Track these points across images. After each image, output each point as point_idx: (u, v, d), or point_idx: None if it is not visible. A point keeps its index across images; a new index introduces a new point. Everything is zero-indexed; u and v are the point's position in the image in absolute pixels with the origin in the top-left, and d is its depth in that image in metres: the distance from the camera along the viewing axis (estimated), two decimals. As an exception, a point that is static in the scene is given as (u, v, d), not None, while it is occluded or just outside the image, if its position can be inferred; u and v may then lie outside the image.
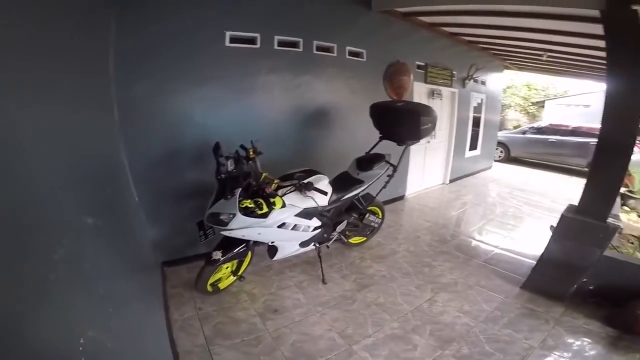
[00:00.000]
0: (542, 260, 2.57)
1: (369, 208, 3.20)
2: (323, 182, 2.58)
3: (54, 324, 0.83)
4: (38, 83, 1.15)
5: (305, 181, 2.34)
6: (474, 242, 3.58)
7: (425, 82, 4.73)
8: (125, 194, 2.36)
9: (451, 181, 5.97)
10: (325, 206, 2.62)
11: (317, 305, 2.47)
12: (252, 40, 2.85)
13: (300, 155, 3.39)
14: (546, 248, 2.54)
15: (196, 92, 2.69)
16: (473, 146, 6.44)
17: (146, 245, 2.67)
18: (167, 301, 2.49)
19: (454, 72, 5.24)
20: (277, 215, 2.26)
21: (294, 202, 2.36)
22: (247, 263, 2.77)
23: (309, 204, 2.45)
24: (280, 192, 2.31)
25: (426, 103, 4.89)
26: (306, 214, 2.47)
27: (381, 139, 3.07)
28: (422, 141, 4.85)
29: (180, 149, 2.71)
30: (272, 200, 2.18)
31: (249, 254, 2.71)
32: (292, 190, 2.36)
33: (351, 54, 3.59)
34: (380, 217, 3.37)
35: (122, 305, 1.50)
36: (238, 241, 2.37)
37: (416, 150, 4.98)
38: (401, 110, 2.90)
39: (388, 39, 3.94)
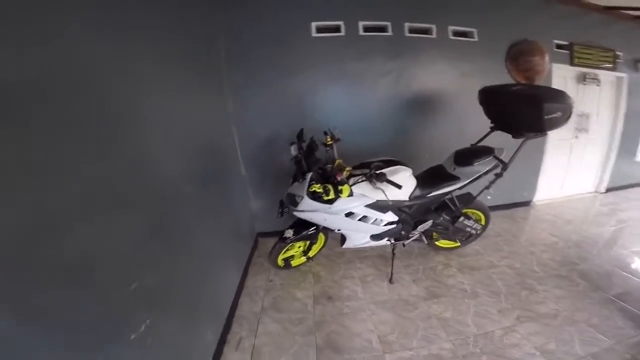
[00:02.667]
0: None
1: (468, 211, 2.78)
2: (401, 175, 2.31)
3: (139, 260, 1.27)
4: (172, 81, 1.80)
5: (377, 171, 2.18)
6: (611, 270, 2.63)
7: (572, 64, 3.73)
8: (232, 170, 2.84)
9: (608, 190, 4.50)
10: (404, 201, 2.39)
11: (371, 303, 2.34)
12: (336, 29, 2.89)
13: (392, 144, 3.24)
14: None
15: (289, 83, 2.96)
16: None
17: (247, 215, 3.13)
18: (248, 268, 2.85)
19: (619, 54, 3.93)
20: (344, 203, 2.23)
21: (364, 192, 2.27)
22: (319, 246, 2.88)
23: (381, 196, 2.30)
24: (351, 180, 2.26)
25: (574, 89, 3.89)
26: (379, 206, 2.33)
27: (492, 129, 2.55)
28: (563, 135, 3.95)
29: (279, 134, 3.01)
30: (340, 188, 2.16)
31: (322, 237, 2.81)
32: (362, 179, 2.26)
33: (456, 34, 3.16)
34: (483, 223, 2.87)
35: (203, 259, 1.92)
36: (310, 223, 2.48)
37: (557, 145, 4.03)
38: (517, 94, 2.30)
39: (509, 16, 3.28)
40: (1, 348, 0.73)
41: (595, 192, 4.57)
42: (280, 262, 2.65)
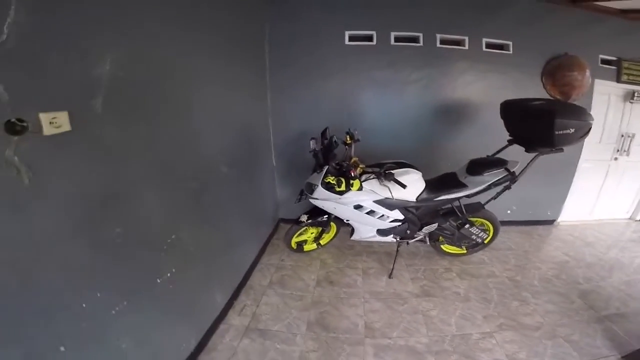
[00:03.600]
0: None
1: (477, 220, 2.88)
2: (409, 177, 2.49)
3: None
4: (224, 78, 2.22)
5: (386, 171, 2.41)
6: (613, 292, 2.62)
7: (618, 80, 3.56)
8: (265, 158, 3.25)
9: (646, 218, 4.27)
10: (411, 201, 2.58)
11: (367, 293, 2.59)
12: (369, 38, 3.08)
13: (414, 150, 3.35)
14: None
15: (321, 85, 3.24)
16: None
17: (272, 200, 3.52)
18: (265, 247, 3.21)
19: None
20: (353, 196, 2.49)
21: (374, 189, 2.51)
22: (331, 236, 3.17)
23: (387, 193, 2.52)
24: (363, 177, 2.51)
25: (619, 107, 3.71)
26: (387, 204, 2.55)
27: (510, 142, 2.64)
28: (600, 155, 3.80)
29: (308, 130, 3.23)
30: (351, 182, 2.42)
31: (334, 227, 3.09)
32: (373, 177, 2.51)
33: (490, 46, 3.18)
34: (490, 233, 2.96)
35: (227, 232, 2.35)
36: (323, 212, 2.77)
37: (592, 166, 3.88)
38: (533, 108, 2.36)
39: (548, 30, 3.21)
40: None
41: (630, 219, 4.32)
42: (293, 244, 2.97)
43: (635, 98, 3.67)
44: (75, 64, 1.04)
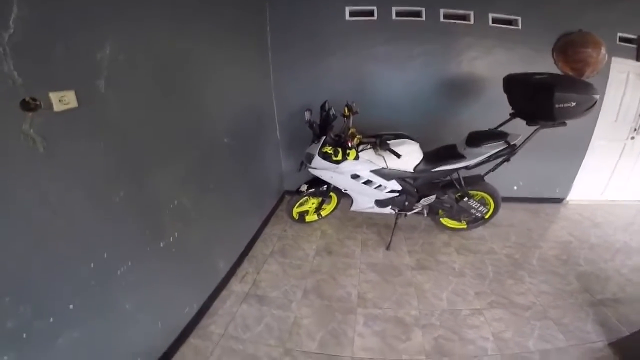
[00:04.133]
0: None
1: (478, 193, 2.90)
2: (405, 147, 2.53)
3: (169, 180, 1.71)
4: (229, 57, 2.38)
5: (381, 140, 2.47)
6: (612, 275, 2.58)
7: (638, 59, 3.40)
8: (268, 131, 3.37)
9: (662, 202, 4.11)
10: (408, 172, 2.64)
11: (363, 263, 2.68)
12: (370, 13, 3.07)
13: (416, 124, 3.32)
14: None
15: (323, 61, 3.28)
16: None
17: (277, 172, 3.67)
18: (269, 218, 3.34)
19: None
20: (349, 165, 2.56)
21: (370, 159, 2.58)
22: (332, 207, 3.29)
23: (382, 163, 2.57)
24: (360, 147, 2.58)
25: (638, 86, 3.56)
26: (383, 174, 2.61)
27: (512, 116, 2.64)
28: (615, 134, 3.68)
29: (311, 105, 3.25)
30: (348, 151, 2.50)
31: (335, 198, 3.20)
32: (369, 147, 2.58)
33: (497, 21, 3.11)
34: (491, 207, 2.97)
35: (232, 202, 2.50)
36: (323, 182, 2.86)
37: (605, 146, 3.75)
38: (532, 82, 2.36)
39: (562, 5, 3.10)
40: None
41: (646, 201, 4.18)
42: (295, 214, 3.09)
43: (655, 76, 3.52)
44: (80, 50, 1.17)
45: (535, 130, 2.46)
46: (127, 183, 1.42)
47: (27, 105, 0.99)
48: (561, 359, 1.83)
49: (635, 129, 3.76)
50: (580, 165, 3.77)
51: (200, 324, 2.04)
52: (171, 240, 1.73)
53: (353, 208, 2.92)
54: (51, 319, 1.11)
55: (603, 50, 3.21)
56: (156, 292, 1.66)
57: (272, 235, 3.09)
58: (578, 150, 3.70)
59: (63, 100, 1.10)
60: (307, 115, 2.62)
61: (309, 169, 2.70)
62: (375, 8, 3.06)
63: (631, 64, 3.45)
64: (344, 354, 1.85)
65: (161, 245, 1.66)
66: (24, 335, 1.02)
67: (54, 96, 1.07)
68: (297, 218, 3.13)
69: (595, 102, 2.22)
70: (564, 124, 2.35)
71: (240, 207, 2.64)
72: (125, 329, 1.47)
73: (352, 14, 3.10)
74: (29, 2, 0.97)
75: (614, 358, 1.82)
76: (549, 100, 2.16)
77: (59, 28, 1.09)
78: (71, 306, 1.18)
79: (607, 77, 3.41)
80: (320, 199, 3.10)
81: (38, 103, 1.02)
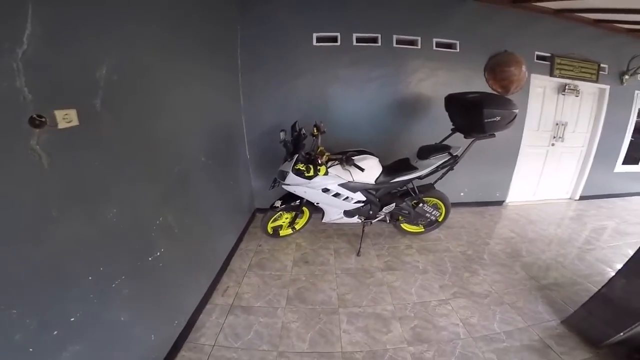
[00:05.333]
0: (598, 295, 2.10)
1: (431, 200, 3.27)
2: (367, 162, 2.81)
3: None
4: (205, 76, 2.49)
5: (346, 156, 2.73)
6: (550, 264, 3.05)
7: (551, 75, 4.05)
8: (239, 151, 3.45)
9: (582, 198, 4.84)
10: (371, 184, 2.91)
11: (338, 269, 2.88)
12: (334, 39, 3.38)
13: (375, 141, 3.67)
14: (608, 282, 2.08)
15: (292, 83, 3.50)
16: (631, 159, 4.95)
17: (247, 191, 3.74)
18: (243, 235, 3.43)
19: (603, 66, 4.20)
20: (320, 180, 2.77)
21: (338, 173, 2.81)
22: (304, 221, 3.44)
23: (349, 177, 2.83)
24: (329, 163, 2.81)
25: (553, 99, 4.23)
26: (350, 187, 2.86)
27: (453, 130, 3.06)
28: (539, 142, 4.30)
29: (279, 125, 3.43)
30: (319, 168, 2.71)
31: (307, 212, 3.36)
32: (337, 163, 2.81)
33: (439, 45, 3.57)
34: (443, 211, 3.35)
35: (208, 219, 2.55)
36: (295, 198, 3.03)
37: (532, 151, 4.39)
38: (465, 101, 2.80)
39: (491, 29, 3.64)
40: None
41: (570, 198, 4.91)
42: (269, 229, 3.21)
43: (566, 90, 4.21)
44: (80, 68, 1.23)
45: (471, 142, 2.89)
46: (119, 199, 1.47)
47: (34, 122, 1.02)
48: (523, 337, 2.12)
49: (554, 137, 4.44)
50: (513, 171, 4.35)
51: (189, 337, 2.09)
52: (158, 254, 1.79)
53: (324, 220, 3.13)
54: (55, 332, 1.14)
55: (524, 68, 3.79)
56: (148, 305, 1.71)
57: (248, 250, 3.18)
58: (510, 158, 4.28)
59: (66, 118, 1.15)
60: (282, 135, 2.79)
61: (283, 186, 2.86)
62: (338, 34, 3.37)
63: (547, 79, 4.11)
64: (335, 350, 2.01)
65: (150, 259, 1.72)
66: (30, 349, 1.05)
67: (59, 114, 1.11)
68: (271, 233, 3.26)
69: (516, 115, 2.71)
70: (493, 135, 2.80)
71: (217, 224, 2.71)
72: (122, 341, 1.50)
73: (318, 39, 3.38)
74: (41, 20, 1.03)
75: (569, 334, 2.15)
76: (479, 115, 2.60)
77: (65, 44, 1.15)
78: (73, 319, 1.21)
79: (528, 92, 4.02)
80: (293, 213, 3.27)
81: (44, 120, 1.05)
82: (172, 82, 1.98)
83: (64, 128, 1.15)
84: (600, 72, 4.24)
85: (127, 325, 1.53)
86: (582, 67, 4.16)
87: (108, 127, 1.40)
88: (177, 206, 2.03)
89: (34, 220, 1.07)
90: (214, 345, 2.04)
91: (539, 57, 3.98)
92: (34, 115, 1.03)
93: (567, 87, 4.19)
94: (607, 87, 4.35)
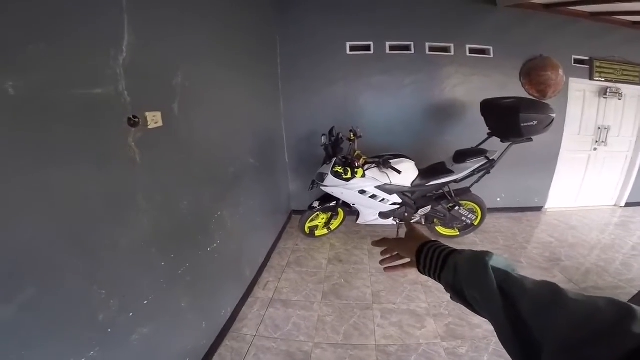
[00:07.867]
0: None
1: (467, 204, 3.29)
2: (403, 164, 2.90)
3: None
4: (247, 84, 2.67)
5: (383, 159, 2.85)
6: (591, 268, 2.96)
7: (591, 78, 3.96)
8: (279, 155, 3.69)
9: (629, 204, 4.61)
10: (406, 187, 3.00)
11: (372, 268, 2.97)
12: (367, 48, 3.54)
13: (410, 145, 3.75)
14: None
15: (327, 90, 3.71)
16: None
17: (285, 193, 3.97)
18: (281, 234, 3.61)
19: (648, 67, 4.06)
20: (358, 182, 2.90)
21: (375, 176, 2.93)
22: (339, 222, 3.57)
23: (386, 179, 2.93)
24: (366, 166, 2.94)
25: (594, 103, 4.12)
26: (386, 189, 2.96)
27: (489, 135, 3.10)
28: (580, 146, 4.19)
29: (316, 130, 3.69)
30: (356, 170, 2.85)
31: (342, 213, 3.50)
32: (374, 166, 2.94)
33: (473, 51, 3.63)
34: (479, 215, 3.36)
35: (252, 217, 2.75)
36: (332, 199, 3.18)
37: (573, 158, 4.27)
38: (502, 106, 2.86)
39: (525, 34, 3.65)
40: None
41: (615, 205, 4.68)
42: (306, 229, 3.37)
43: (607, 94, 4.08)
44: (163, 74, 1.45)
45: (508, 146, 2.92)
46: (189, 194, 1.67)
47: (131, 122, 1.19)
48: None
49: (596, 141, 4.30)
50: (553, 176, 4.25)
51: (233, 327, 2.25)
52: (215, 246, 1.96)
53: (359, 221, 3.24)
54: (131, 314, 1.25)
55: (561, 72, 3.75)
56: (203, 293, 1.87)
57: (286, 248, 3.35)
58: (550, 163, 4.19)
59: (154, 119, 1.34)
60: (323, 139, 2.97)
61: (321, 187, 3.01)
62: (372, 43, 3.54)
63: (586, 82, 4.01)
64: (369, 343, 2.10)
65: (208, 250, 1.90)
66: (109, 330, 1.15)
67: (149, 115, 1.30)
68: (308, 232, 3.42)
69: (553, 120, 2.72)
70: (530, 139, 2.83)
71: (260, 222, 2.91)
72: (180, 325, 1.63)
73: (352, 48, 3.57)
74: (135, 30, 1.22)
75: None
76: (516, 120, 2.65)
77: (151, 55, 1.34)
78: (145, 302, 1.34)
79: (567, 96, 3.95)
80: (329, 214, 3.41)
81: (138, 120, 1.22)
82: (226, 89, 2.21)
83: (152, 128, 1.35)
84: (645, 74, 4.09)
85: (185, 311, 1.66)
86: (623, 70, 4.03)
87: (182, 129, 1.62)
88: (231, 203, 2.24)
89: (127, 209, 1.24)
90: (255, 335, 2.19)
91: (577, 61, 3.91)
92: (131, 116, 1.22)
93: (608, 91, 4.07)
94: (653, 89, 4.17)
